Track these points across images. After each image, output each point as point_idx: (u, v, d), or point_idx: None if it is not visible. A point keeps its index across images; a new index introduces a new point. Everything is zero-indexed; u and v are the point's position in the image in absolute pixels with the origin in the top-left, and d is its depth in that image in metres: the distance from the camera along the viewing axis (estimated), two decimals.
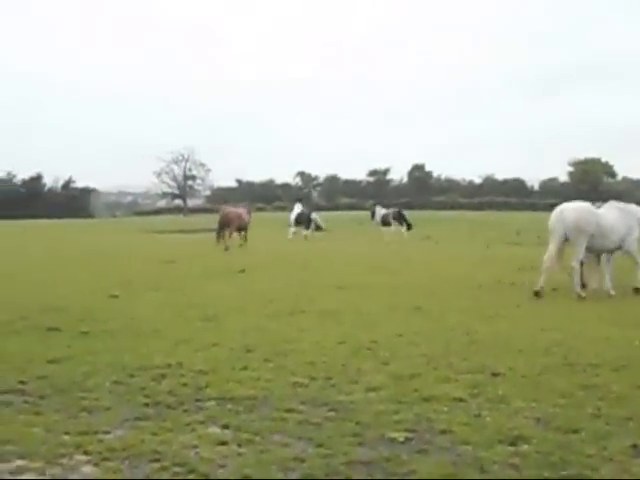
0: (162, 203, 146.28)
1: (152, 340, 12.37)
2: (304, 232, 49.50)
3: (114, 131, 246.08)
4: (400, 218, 50.27)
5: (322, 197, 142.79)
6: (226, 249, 35.79)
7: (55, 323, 13.78)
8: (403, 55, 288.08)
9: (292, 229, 49.91)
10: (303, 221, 50.37)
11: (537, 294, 18.41)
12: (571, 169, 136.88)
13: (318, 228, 52.30)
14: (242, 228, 38.58)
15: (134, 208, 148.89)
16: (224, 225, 37.82)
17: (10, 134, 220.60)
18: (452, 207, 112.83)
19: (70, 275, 23.21)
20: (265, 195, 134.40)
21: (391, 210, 51.96)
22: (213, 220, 79.62)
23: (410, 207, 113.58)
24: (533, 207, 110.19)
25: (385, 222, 50.33)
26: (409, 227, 49.90)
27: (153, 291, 19.15)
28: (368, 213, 59.15)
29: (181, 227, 73.35)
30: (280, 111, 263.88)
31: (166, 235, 59.84)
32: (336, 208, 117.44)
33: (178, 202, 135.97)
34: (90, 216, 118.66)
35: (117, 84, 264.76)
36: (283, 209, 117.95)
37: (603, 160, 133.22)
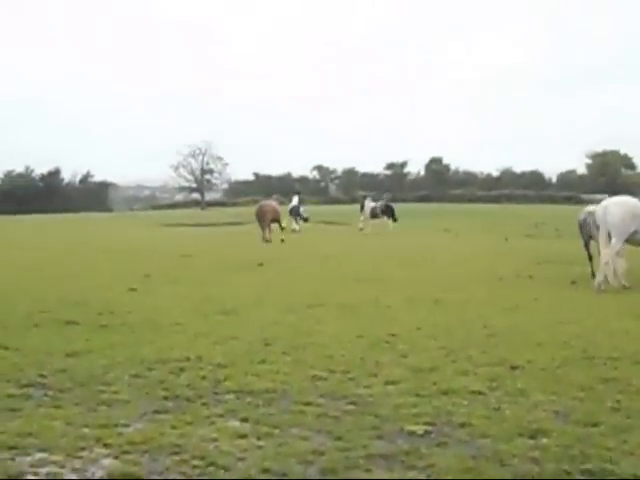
0: (180, 197, 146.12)
1: (171, 333, 12.42)
2: (293, 225, 50.37)
3: (132, 125, 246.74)
4: (388, 211, 50.81)
5: (340, 190, 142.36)
6: (268, 241, 37.06)
7: (74, 317, 13.83)
8: (417, 49, 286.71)
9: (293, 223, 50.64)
10: (293, 214, 51.74)
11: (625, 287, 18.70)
12: (589, 161, 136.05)
13: (305, 220, 52.74)
14: (276, 220, 39.55)
15: (152, 202, 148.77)
16: (261, 218, 38.85)
17: (28, 129, 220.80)
18: (470, 200, 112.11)
19: (89, 269, 23.31)
20: (282, 189, 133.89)
21: (379, 203, 52.23)
22: (230, 214, 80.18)
23: (428, 200, 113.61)
24: (551, 200, 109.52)
25: (373, 215, 50.95)
26: (395, 220, 50.38)
27: (172, 285, 19.20)
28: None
29: (199, 221, 73.37)
30: (297, 105, 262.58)
31: (184, 229, 59.93)
32: (354, 201, 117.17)
33: (195, 196, 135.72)
34: (108, 210, 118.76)
35: (134, 79, 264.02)
36: (301, 203, 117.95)
37: (622, 152, 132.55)
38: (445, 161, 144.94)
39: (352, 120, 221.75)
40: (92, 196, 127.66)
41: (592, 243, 20.88)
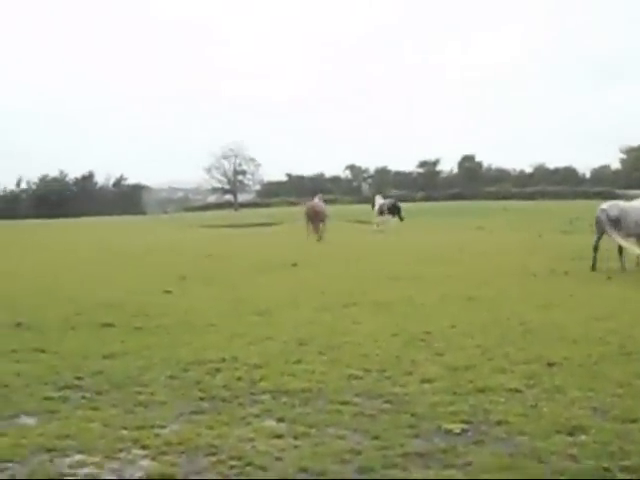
0: (212, 198, 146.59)
1: (206, 334, 12.45)
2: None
3: (163, 128, 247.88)
4: (393, 209, 50.71)
5: (372, 189, 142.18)
6: (319, 239, 37.86)
7: (109, 319, 13.90)
8: (450, 44, 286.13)
9: None
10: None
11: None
12: (623, 156, 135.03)
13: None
14: (323, 219, 40.07)
15: (185, 204, 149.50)
16: (311, 218, 39.65)
17: (62, 134, 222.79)
18: (504, 197, 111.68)
19: (124, 271, 23.41)
20: (315, 189, 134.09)
21: (387, 201, 52.18)
22: (263, 214, 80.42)
23: (461, 198, 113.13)
24: (585, 195, 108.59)
25: (380, 212, 50.90)
26: (401, 219, 50.30)
27: (206, 286, 19.24)
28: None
29: (232, 222, 73.57)
30: (328, 103, 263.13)
31: (218, 230, 60.07)
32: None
33: (228, 197, 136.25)
34: (142, 213, 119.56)
35: (160, 81, 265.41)
36: (333, 202, 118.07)
37: None
38: (477, 158, 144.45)
39: (385, 119, 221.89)
40: (125, 199, 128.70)
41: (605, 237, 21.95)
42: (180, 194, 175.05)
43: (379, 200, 52.37)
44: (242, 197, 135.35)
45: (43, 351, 11.34)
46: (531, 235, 41.32)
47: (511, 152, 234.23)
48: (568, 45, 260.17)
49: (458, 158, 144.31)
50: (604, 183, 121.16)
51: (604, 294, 16.85)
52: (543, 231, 44.66)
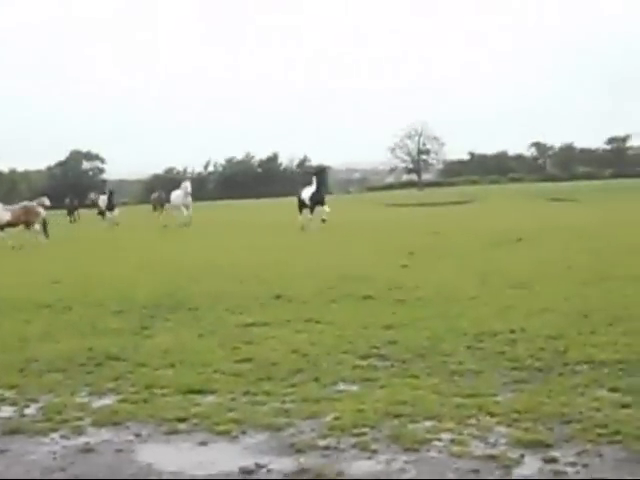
0: (390, 178, 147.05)
1: (473, 307, 12.26)
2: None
3: (340, 112, 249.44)
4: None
5: (557, 167, 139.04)
6: None
7: (367, 292, 13.93)
8: None
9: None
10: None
11: None
12: None
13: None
14: None
15: (365, 184, 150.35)
16: None
17: (247, 117, 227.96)
18: None
19: (347, 246, 23.62)
20: (499, 167, 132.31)
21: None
22: (450, 193, 79.88)
23: None
24: None
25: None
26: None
27: (439, 260, 19.12)
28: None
29: (421, 200, 73.45)
30: (509, 77, 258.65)
31: (409, 208, 60.06)
32: (573, 178, 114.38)
33: (407, 177, 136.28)
34: (327, 193, 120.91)
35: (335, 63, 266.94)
36: (518, 180, 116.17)
37: None
38: None
39: (569, 93, 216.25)
40: (309, 180, 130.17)
41: None
42: (357, 175, 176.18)
43: None
44: (424, 177, 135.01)
45: (318, 322, 11.51)
46: None
47: None
48: None
49: None
50: None
51: None
52: None
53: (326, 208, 34.64)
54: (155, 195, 54.81)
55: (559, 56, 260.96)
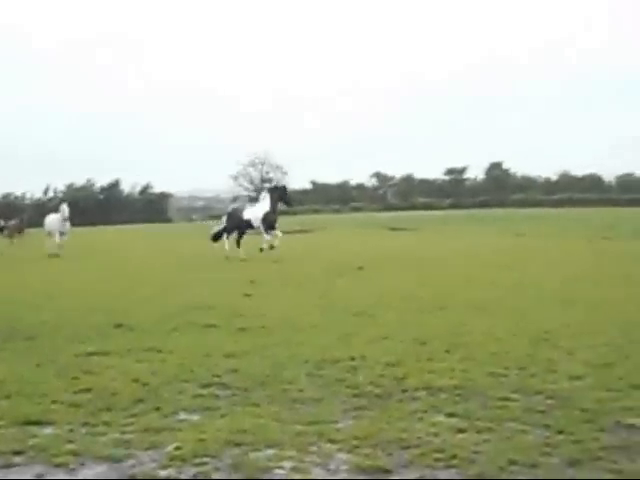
0: (234, 206, 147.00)
1: (316, 334, 12.36)
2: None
3: (183, 136, 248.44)
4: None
5: (397, 197, 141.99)
6: None
7: (209, 320, 13.87)
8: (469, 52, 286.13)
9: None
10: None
11: None
12: None
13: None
14: None
15: (208, 212, 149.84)
16: None
17: (89, 143, 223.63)
18: (531, 204, 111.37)
19: (194, 275, 23.45)
20: (341, 197, 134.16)
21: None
22: (291, 222, 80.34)
23: (487, 205, 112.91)
24: (614, 203, 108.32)
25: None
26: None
27: (282, 288, 19.23)
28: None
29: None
30: (352, 113, 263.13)
31: (252, 237, 59.95)
32: (413, 207, 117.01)
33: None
34: (168, 221, 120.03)
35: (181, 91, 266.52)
36: (359, 210, 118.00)
37: None
38: (505, 166, 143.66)
39: (409, 126, 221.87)
40: (151, 207, 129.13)
41: None
42: (201, 202, 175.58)
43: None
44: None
45: (159, 351, 11.35)
46: (578, 241, 41.02)
47: (535, 159, 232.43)
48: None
49: (484, 165, 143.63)
50: (633, 190, 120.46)
51: None
52: (584, 238, 44.30)
53: (279, 232, 30.73)
54: (13, 222, 51.58)
55: (400, 90, 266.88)
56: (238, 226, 31.70)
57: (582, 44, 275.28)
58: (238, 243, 31.60)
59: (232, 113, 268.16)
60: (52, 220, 38.40)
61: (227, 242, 31.74)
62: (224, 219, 32.60)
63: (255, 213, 31.19)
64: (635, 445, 6.63)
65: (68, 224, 37.72)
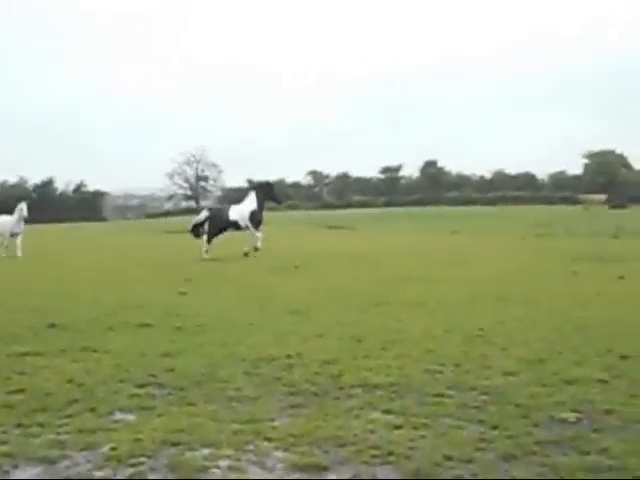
0: (169, 205, 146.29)
1: (251, 333, 12.33)
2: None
3: (119, 134, 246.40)
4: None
5: (333, 195, 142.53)
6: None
7: (145, 319, 13.76)
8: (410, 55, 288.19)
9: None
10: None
11: None
12: (587, 161, 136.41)
13: None
14: None
15: (143, 211, 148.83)
16: None
17: (23, 140, 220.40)
18: (466, 202, 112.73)
19: (128, 274, 23.23)
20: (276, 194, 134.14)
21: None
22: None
23: (422, 203, 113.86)
24: (547, 200, 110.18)
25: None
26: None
27: (218, 286, 19.14)
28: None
29: None
30: (290, 110, 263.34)
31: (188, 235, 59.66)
32: (349, 206, 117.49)
33: (186, 204, 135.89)
34: (102, 219, 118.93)
35: (123, 87, 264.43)
36: (295, 208, 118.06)
37: (617, 152, 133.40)
38: (439, 164, 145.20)
39: (347, 124, 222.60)
40: (86, 206, 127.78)
41: None
42: (135, 201, 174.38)
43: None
44: (203, 203, 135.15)
45: (94, 350, 11.19)
46: (512, 238, 41.59)
47: (470, 158, 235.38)
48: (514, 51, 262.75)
49: (419, 164, 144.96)
50: (565, 188, 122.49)
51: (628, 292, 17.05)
52: (518, 235, 44.91)
53: (259, 233, 29.42)
54: None
55: (339, 89, 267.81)
56: (224, 228, 30.26)
57: (521, 46, 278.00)
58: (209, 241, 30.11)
59: (164, 111, 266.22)
60: (6, 221, 34.82)
61: (205, 245, 29.99)
62: (203, 214, 31.03)
63: (242, 213, 29.92)
64: (568, 440, 6.72)
65: (22, 225, 34.44)
